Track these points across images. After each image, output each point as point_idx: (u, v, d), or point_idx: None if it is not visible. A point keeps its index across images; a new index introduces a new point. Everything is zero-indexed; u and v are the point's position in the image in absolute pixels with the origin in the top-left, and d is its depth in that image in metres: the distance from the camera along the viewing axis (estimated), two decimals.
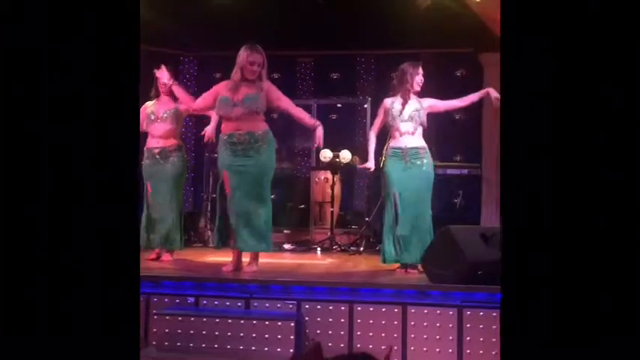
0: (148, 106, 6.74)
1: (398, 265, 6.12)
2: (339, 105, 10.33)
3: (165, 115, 6.66)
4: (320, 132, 5.80)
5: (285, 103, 5.89)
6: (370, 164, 6.33)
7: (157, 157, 6.64)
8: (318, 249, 8.30)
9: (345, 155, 8.66)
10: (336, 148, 8.59)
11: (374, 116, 6.59)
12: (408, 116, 6.04)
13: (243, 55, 5.68)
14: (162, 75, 6.46)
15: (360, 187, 10.13)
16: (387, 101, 6.19)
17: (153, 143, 6.68)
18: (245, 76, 5.68)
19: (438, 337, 4.80)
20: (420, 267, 5.93)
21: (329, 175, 8.92)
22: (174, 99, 6.58)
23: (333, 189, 8.73)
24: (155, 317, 4.94)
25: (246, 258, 5.90)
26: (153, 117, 6.66)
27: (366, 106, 9.93)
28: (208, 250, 7.83)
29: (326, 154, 8.62)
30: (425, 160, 6.07)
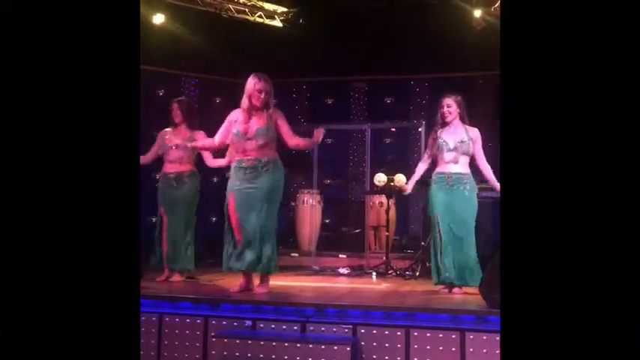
0: (167, 133, 7.06)
1: (442, 286, 6.20)
2: (393, 129, 10.31)
3: (181, 143, 6.91)
4: (320, 132, 5.85)
5: (289, 138, 5.98)
6: (407, 187, 6.70)
7: (173, 181, 6.92)
8: (374, 273, 8.16)
9: (400, 179, 8.50)
10: (390, 172, 8.50)
11: (428, 140, 6.63)
12: (453, 146, 6.20)
13: (250, 83, 5.86)
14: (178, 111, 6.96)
15: (416, 212, 10.00)
16: (434, 133, 6.40)
17: (169, 168, 6.97)
18: (253, 104, 5.84)
19: None
20: (460, 288, 6.12)
21: (384, 199, 8.84)
22: (190, 128, 6.95)
23: (388, 213, 8.66)
24: (213, 340, 4.94)
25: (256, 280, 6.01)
26: (169, 144, 6.96)
27: (420, 129, 9.81)
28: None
29: (380, 179, 8.51)
30: (467, 186, 6.21)
